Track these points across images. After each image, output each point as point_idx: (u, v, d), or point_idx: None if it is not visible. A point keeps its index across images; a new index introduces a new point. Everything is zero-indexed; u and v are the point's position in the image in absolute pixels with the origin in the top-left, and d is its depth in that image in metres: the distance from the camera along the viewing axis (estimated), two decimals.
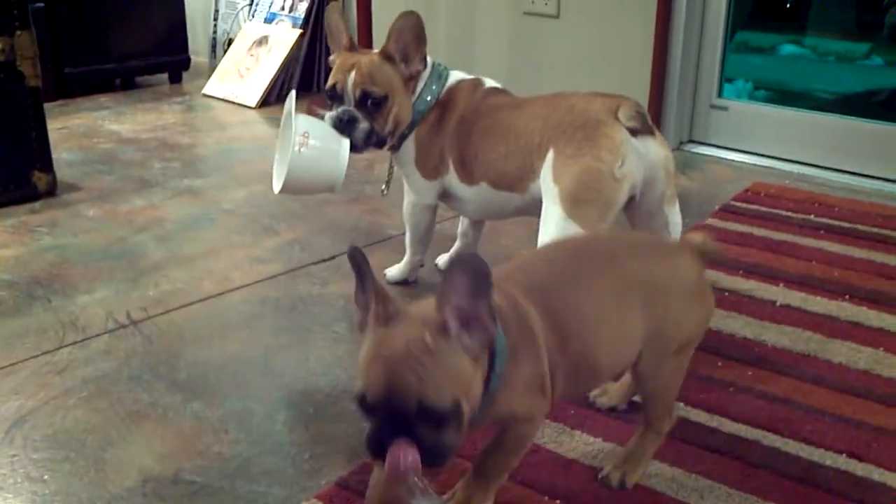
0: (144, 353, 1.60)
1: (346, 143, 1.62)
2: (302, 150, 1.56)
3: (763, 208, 2.39)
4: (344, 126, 1.62)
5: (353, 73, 1.62)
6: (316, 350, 1.62)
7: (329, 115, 1.64)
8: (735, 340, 1.66)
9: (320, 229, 2.21)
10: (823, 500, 1.20)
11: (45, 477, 1.25)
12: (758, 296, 1.84)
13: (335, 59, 1.68)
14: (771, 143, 2.85)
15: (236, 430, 1.36)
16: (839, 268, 1.99)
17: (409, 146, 1.71)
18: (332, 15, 1.71)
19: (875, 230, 2.23)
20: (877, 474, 1.26)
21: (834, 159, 2.73)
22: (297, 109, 1.63)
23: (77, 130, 3.09)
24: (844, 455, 1.30)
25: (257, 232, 2.20)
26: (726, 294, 1.84)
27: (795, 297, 1.84)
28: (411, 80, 1.66)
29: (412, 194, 1.77)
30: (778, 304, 1.81)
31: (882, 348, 1.62)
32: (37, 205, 2.36)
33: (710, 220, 2.29)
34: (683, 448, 1.31)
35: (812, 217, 2.32)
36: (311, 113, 1.71)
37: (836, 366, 1.57)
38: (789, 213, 2.35)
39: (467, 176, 1.67)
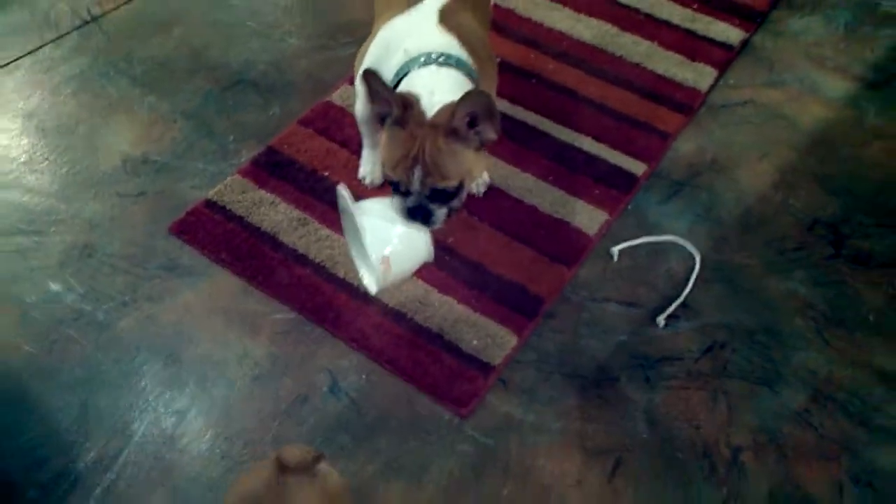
0: (106, 51, 2.13)
1: (427, 236, 1.45)
2: (388, 275, 1.44)
3: None
4: (419, 219, 1.41)
5: (417, 169, 1.33)
6: (237, 47, 2.16)
7: (398, 207, 1.41)
8: (552, 33, 2.19)
9: None
10: (563, 173, 1.87)
11: (53, 160, 1.89)
12: None
13: (387, 135, 1.36)
14: None
15: (182, 120, 1.98)
16: None
17: None
18: (374, 81, 1.31)
19: None
20: (601, 151, 1.91)
21: None
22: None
23: None
24: (591, 138, 1.95)
25: None
26: None
27: None
28: (483, 146, 1.39)
29: None
30: None
31: (657, 42, 2.17)
32: None
33: None
34: None
35: None
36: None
37: (617, 59, 2.13)
38: None
39: None
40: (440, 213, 1.41)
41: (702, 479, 1.43)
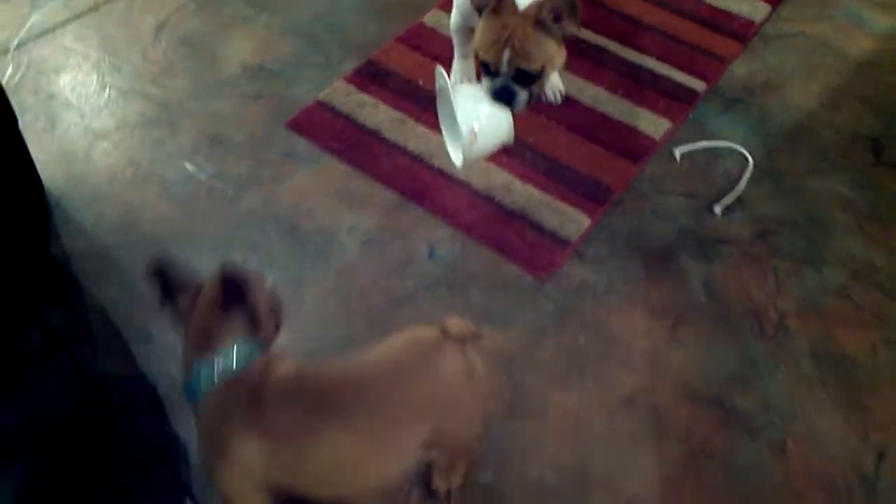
0: None
1: (510, 118, 1.67)
2: (473, 147, 1.67)
3: None
4: (504, 100, 1.65)
5: (506, 51, 1.58)
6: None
7: (487, 87, 1.66)
8: None
9: None
10: (630, 87, 2.10)
11: (182, 66, 2.16)
12: None
13: (482, 22, 1.62)
14: None
15: (293, 36, 2.23)
16: None
17: None
18: None
19: None
20: (666, 70, 2.14)
21: None
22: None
23: None
24: (654, 58, 2.17)
25: None
26: None
27: None
28: (565, 39, 1.63)
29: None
30: None
31: None
32: None
33: None
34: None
35: None
36: None
37: None
38: None
39: None
40: (522, 95, 1.66)
41: (752, 336, 1.66)
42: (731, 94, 2.11)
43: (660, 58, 2.17)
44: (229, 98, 2.07)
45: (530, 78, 1.63)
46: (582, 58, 2.13)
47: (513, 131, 1.71)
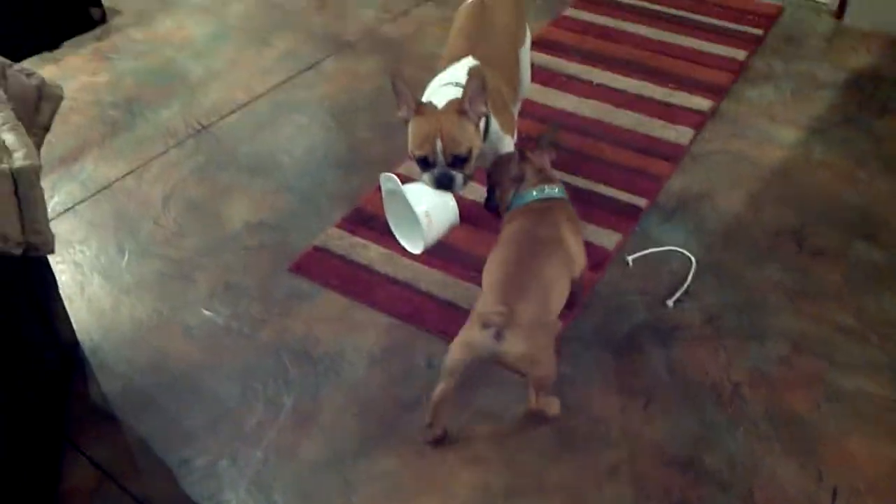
0: (217, 150, 2.74)
1: (453, 200, 1.93)
2: (430, 230, 1.91)
3: None
4: (446, 186, 1.92)
5: (438, 142, 1.87)
6: (315, 139, 2.77)
7: (428, 179, 1.94)
8: (562, 113, 2.81)
9: (303, 39, 3.24)
10: (584, 209, 2.42)
11: (191, 228, 2.46)
12: (583, 77, 2.96)
13: (412, 125, 1.93)
14: None
15: (286, 194, 2.56)
16: (642, 49, 3.09)
17: (496, 133, 2.07)
18: (397, 81, 1.90)
19: (682, 13, 3.28)
20: (612, 192, 2.49)
21: None
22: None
23: None
24: (602, 184, 2.53)
25: (258, 45, 3.23)
26: (563, 78, 2.96)
27: (607, 77, 2.96)
28: (479, 119, 1.94)
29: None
30: (595, 83, 2.94)
31: (644, 113, 2.79)
32: (97, 32, 3.33)
33: (569, 11, 3.34)
34: None
35: (646, 4, 3.35)
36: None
37: (615, 128, 2.74)
38: (632, 2, 3.38)
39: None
40: (459, 177, 1.95)
41: (712, 405, 1.92)
42: (669, 206, 2.45)
43: (605, 182, 2.51)
44: (235, 251, 2.36)
45: (462, 161, 1.91)
46: None
47: (458, 212, 1.97)
